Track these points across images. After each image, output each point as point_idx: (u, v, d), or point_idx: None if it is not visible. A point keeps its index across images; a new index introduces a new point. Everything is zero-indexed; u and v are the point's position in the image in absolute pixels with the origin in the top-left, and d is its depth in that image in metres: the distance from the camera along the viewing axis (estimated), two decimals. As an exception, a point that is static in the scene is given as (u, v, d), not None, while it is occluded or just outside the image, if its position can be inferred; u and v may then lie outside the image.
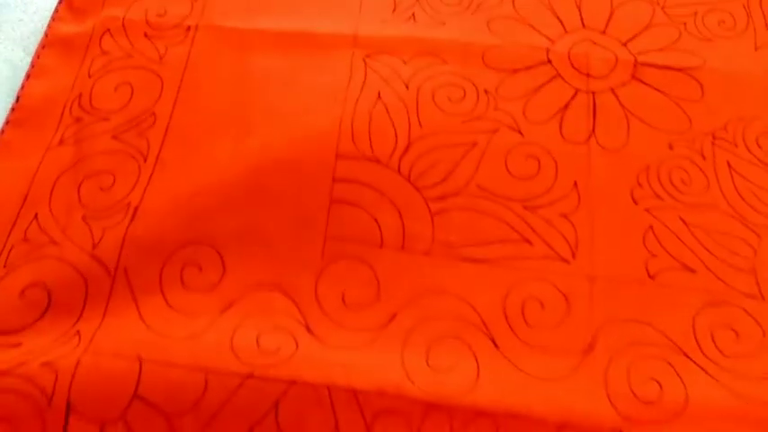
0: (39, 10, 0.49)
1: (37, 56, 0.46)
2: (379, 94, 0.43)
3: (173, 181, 0.40)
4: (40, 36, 0.48)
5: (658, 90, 0.44)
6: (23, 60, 0.47)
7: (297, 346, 0.35)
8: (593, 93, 0.44)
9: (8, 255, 0.38)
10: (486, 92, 0.44)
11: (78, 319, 0.36)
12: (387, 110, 0.43)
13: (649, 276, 0.37)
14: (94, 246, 0.38)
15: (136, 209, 0.39)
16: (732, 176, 0.41)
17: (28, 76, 0.45)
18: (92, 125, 0.43)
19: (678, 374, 0.34)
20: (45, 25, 0.48)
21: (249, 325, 0.36)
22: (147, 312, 0.36)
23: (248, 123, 0.42)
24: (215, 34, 0.47)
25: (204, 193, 0.39)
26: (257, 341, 0.35)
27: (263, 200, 0.39)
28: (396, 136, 0.41)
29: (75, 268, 0.37)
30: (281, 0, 0.49)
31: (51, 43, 0.46)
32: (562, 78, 0.44)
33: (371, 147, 0.41)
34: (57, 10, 0.48)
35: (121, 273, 0.37)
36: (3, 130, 0.43)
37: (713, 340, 0.35)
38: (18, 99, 0.44)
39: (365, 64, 0.45)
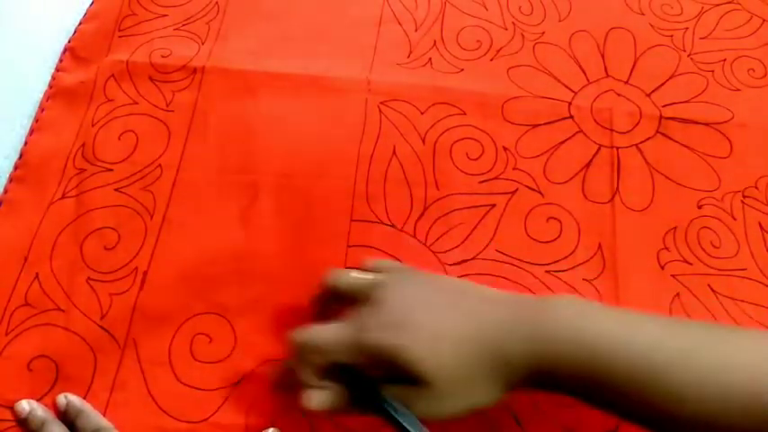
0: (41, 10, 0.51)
1: (41, 108, 0.46)
2: (394, 149, 0.44)
3: (181, 245, 0.41)
4: (42, 38, 0.49)
5: (685, 146, 0.44)
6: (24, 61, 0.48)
7: (311, 429, 0.35)
8: (617, 148, 0.44)
9: (9, 320, 0.39)
10: (504, 149, 0.44)
11: (87, 394, 0.37)
12: (402, 169, 0.43)
13: (677, 350, 0.38)
14: (103, 316, 0.39)
15: (145, 274, 0.40)
16: (764, 239, 0.41)
17: (32, 131, 0.45)
18: (94, 177, 0.43)
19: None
20: (49, 26, 0.50)
21: (263, 404, 0.36)
22: (156, 389, 0.37)
23: (258, 183, 0.43)
24: (223, 77, 0.47)
25: (214, 261, 0.40)
26: (271, 423, 0.35)
27: (275, 268, 0.40)
28: (411, 198, 0.42)
29: (84, 340, 0.38)
30: (290, 41, 0.49)
31: (55, 95, 0.47)
32: (584, 134, 0.45)
33: (387, 210, 0.42)
34: (61, 60, 0.49)
35: (131, 344, 0.38)
36: (6, 189, 0.43)
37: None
38: (21, 155, 0.45)
39: (380, 111, 0.45)
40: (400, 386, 0.29)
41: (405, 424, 0.29)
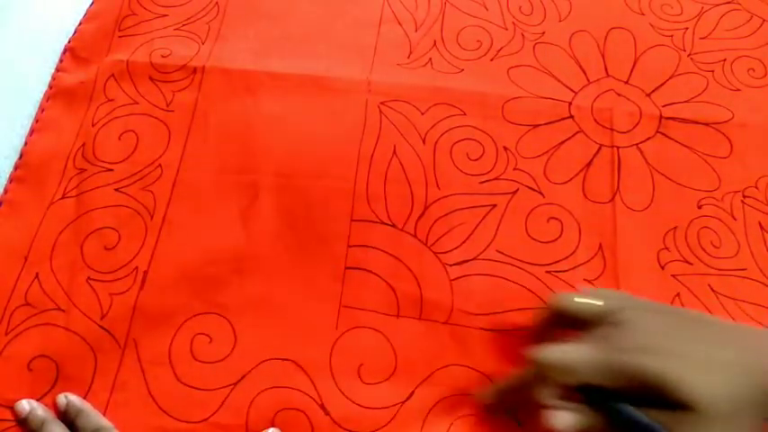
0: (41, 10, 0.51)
1: (41, 109, 0.47)
2: (394, 149, 0.44)
3: (181, 245, 0.41)
4: (42, 38, 0.49)
5: (685, 145, 0.44)
6: (24, 61, 0.49)
7: (312, 429, 0.35)
8: (618, 148, 0.44)
9: (9, 319, 0.39)
10: (505, 149, 0.44)
11: (87, 394, 0.37)
12: (403, 169, 0.43)
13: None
14: (103, 316, 0.39)
15: (145, 274, 0.40)
16: (764, 238, 0.41)
17: (32, 131, 0.46)
18: (95, 176, 0.43)
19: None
20: (49, 26, 0.50)
21: (263, 404, 0.36)
22: (157, 389, 0.37)
23: (259, 182, 0.43)
24: (223, 77, 0.47)
25: (214, 261, 0.40)
26: (271, 423, 0.36)
27: (275, 267, 0.40)
28: (412, 198, 0.42)
29: (84, 340, 0.38)
30: (291, 41, 0.49)
31: (55, 95, 0.47)
32: (584, 134, 0.45)
33: (387, 210, 0.42)
34: (61, 60, 0.49)
35: (131, 344, 0.38)
36: (6, 189, 0.43)
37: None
38: (21, 156, 0.45)
39: (380, 111, 0.46)
40: (659, 411, 0.28)
41: None
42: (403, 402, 0.36)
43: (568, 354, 0.31)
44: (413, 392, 0.37)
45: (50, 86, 0.47)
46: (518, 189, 0.43)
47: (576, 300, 0.33)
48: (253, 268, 0.40)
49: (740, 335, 0.31)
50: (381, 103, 0.46)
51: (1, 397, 0.36)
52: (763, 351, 0.30)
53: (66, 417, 0.36)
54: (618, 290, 0.38)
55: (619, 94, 0.46)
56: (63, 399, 0.36)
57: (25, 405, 0.36)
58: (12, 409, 0.36)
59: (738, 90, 0.47)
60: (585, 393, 0.31)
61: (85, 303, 0.39)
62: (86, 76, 0.48)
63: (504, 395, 0.35)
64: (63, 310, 0.39)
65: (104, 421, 0.36)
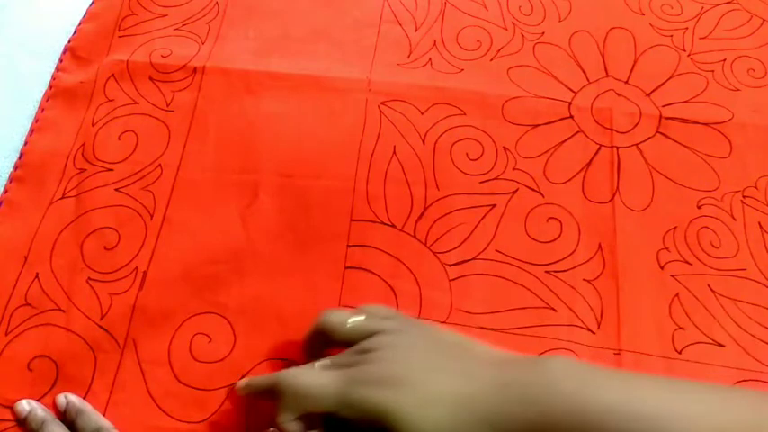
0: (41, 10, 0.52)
1: (41, 108, 0.47)
2: (394, 149, 0.44)
3: (181, 245, 0.41)
4: (42, 38, 0.50)
5: (685, 145, 0.45)
6: (24, 61, 0.49)
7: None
8: (617, 148, 0.44)
9: (9, 320, 0.39)
10: (505, 149, 0.44)
11: (87, 394, 0.37)
12: (402, 169, 0.43)
13: (676, 351, 0.38)
14: (102, 316, 0.39)
15: (144, 274, 0.40)
16: (764, 239, 0.42)
17: (32, 131, 0.46)
18: (94, 176, 0.44)
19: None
20: (49, 25, 0.50)
21: (262, 404, 0.36)
22: (156, 389, 0.37)
23: (259, 182, 0.43)
24: (223, 77, 0.47)
25: (214, 261, 0.40)
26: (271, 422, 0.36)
27: (275, 267, 0.40)
28: (411, 198, 0.42)
29: (84, 340, 0.38)
30: (291, 41, 0.49)
31: (55, 95, 0.47)
32: (584, 134, 0.45)
33: (387, 210, 0.42)
34: (61, 60, 0.49)
35: (130, 344, 0.38)
36: (6, 189, 0.44)
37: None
38: (21, 155, 0.45)
39: (380, 112, 0.46)
40: None
41: None
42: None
43: (308, 379, 0.31)
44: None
45: (50, 86, 0.48)
46: (518, 189, 0.43)
47: (343, 322, 0.33)
48: (252, 268, 0.40)
49: (472, 363, 0.31)
50: (381, 103, 0.46)
51: (1, 397, 0.37)
52: (485, 381, 0.29)
53: (66, 417, 0.36)
54: (391, 308, 0.35)
55: (618, 94, 0.46)
56: (63, 399, 0.36)
57: (25, 405, 0.36)
58: (12, 408, 0.36)
59: (738, 90, 0.47)
60: (329, 425, 0.31)
61: (85, 303, 0.39)
62: (86, 76, 0.48)
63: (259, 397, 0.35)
64: (63, 311, 0.39)
65: (104, 421, 0.36)
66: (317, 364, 0.32)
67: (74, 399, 0.36)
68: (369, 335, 0.32)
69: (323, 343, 0.34)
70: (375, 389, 0.29)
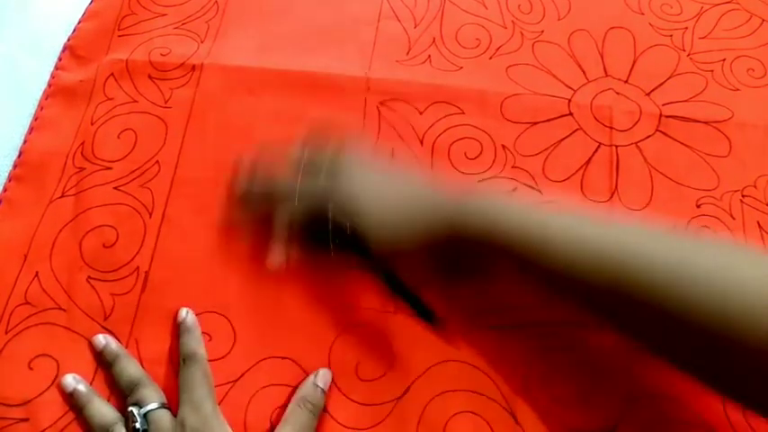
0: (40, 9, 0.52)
1: (40, 107, 0.47)
2: (392, 151, 0.44)
3: (181, 244, 0.41)
4: (41, 36, 0.50)
5: (684, 144, 0.45)
6: (24, 59, 0.49)
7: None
8: (617, 147, 0.44)
9: (9, 318, 0.39)
10: (503, 147, 0.44)
11: (87, 393, 0.37)
12: (402, 169, 0.43)
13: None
14: (106, 317, 0.39)
15: (146, 275, 0.40)
16: (763, 238, 0.42)
17: (31, 129, 0.46)
18: (94, 175, 0.44)
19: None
20: (49, 24, 0.50)
21: (262, 402, 0.37)
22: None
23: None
24: (221, 74, 0.48)
25: (215, 261, 0.41)
26: (270, 419, 0.36)
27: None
28: (411, 198, 0.42)
29: (87, 340, 0.38)
30: (289, 38, 0.50)
31: (54, 93, 0.47)
32: (584, 132, 0.45)
33: (386, 209, 0.42)
34: (60, 58, 0.49)
35: (133, 344, 0.38)
36: (5, 188, 0.44)
37: (746, 419, 0.36)
38: (20, 154, 0.45)
39: (378, 113, 0.46)
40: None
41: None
42: (399, 398, 0.37)
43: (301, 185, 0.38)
44: (409, 388, 0.37)
45: (50, 85, 0.48)
46: (516, 187, 0.43)
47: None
48: (252, 267, 0.40)
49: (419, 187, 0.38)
50: (380, 103, 0.46)
51: (1, 395, 0.37)
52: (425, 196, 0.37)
53: (101, 360, 0.38)
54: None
55: (618, 93, 0.47)
56: (102, 339, 0.38)
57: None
58: (11, 407, 0.36)
59: (738, 90, 0.47)
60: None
61: (87, 303, 0.39)
62: (86, 75, 0.48)
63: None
64: (63, 310, 0.39)
65: (141, 373, 0.37)
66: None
67: (113, 344, 0.38)
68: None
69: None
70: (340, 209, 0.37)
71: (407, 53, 0.49)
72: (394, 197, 0.37)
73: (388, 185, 0.38)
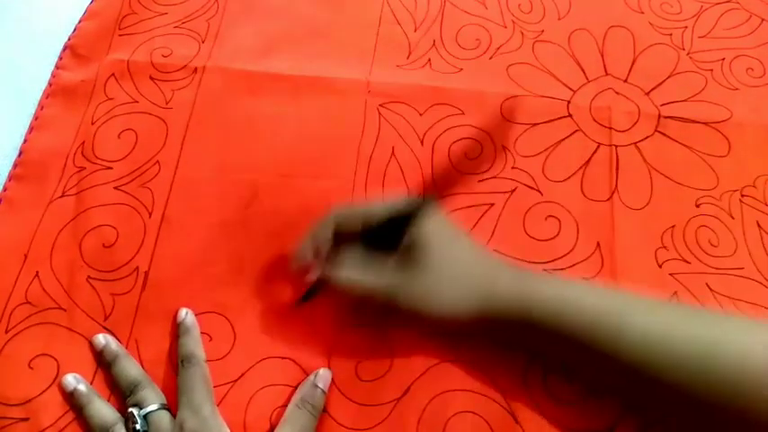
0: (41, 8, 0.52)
1: (40, 106, 0.47)
2: (393, 150, 0.44)
3: (181, 244, 0.41)
4: (42, 35, 0.50)
5: (683, 144, 0.45)
6: (24, 59, 0.49)
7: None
8: (616, 147, 0.45)
9: (9, 318, 0.39)
10: (503, 147, 0.44)
11: (88, 392, 0.37)
12: (401, 170, 0.43)
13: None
14: (106, 317, 0.39)
15: (146, 275, 0.40)
16: (762, 238, 0.42)
17: (31, 129, 0.46)
18: (94, 175, 0.44)
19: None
20: (49, 23, 0.50)
21: (261, 401, 0.37)
22: (158, 387, 0.37)
23: (258, 182, 0.43)
24: (223, 76, 0.48)
25: (215, 261, 0.41)
26: (270, 419, 0.36)
27: (275, 268, 0.40)
28: (410, 198, 0.42)
29: (87, 340, 0.39)
30: (291, 41, 0.50)
31: (55, 92, 0.48)
32: (583, 132, 0.45)
33: (386, 210, 0.42)
34: (60, 57, 0.49)
35: (133, 344, 0.39)
36: (5, 187, 0.44)
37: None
38: (21, 153, 0.45)
39: (379, 114, 0.46)
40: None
41: None
42: (399, 399, 0.37)
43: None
44: (409, 388, 0.37)
45: (50, 84, 0.48)
46: (516, 188, 0.43)
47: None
48: (252, 267, 0.40)
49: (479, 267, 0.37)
50: (380, 104, 0.46)
51: (1, 395, 0.37)
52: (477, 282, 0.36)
53: (101, 360, 0.38)
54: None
55: (617, 93, 0.47)
56: (102, 339, 0.38)
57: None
58: (11, 406, 0.37)
59: (737, 89, 0.47)
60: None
61: (87, 304, 0.39)
62: (87, 75, 0.48)
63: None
64: (64, 309, 0.39)
65: (141, 373, 0.37)
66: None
67: (113, 344, 0.38)
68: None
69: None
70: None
71: (407, 57, 0.49)
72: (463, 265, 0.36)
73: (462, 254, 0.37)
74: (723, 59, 0.48)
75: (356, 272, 0.36)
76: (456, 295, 0.35)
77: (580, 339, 0.33)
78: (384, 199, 0.38)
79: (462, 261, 0.36)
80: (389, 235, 0.36)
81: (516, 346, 0.37)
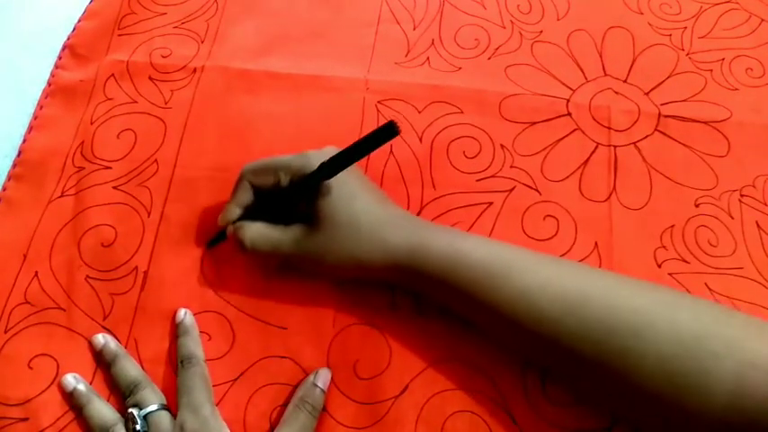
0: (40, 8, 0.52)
1: (40, 106, 0.47)
2: (391, 148, 0.44)
3: (180, 243, 0.41)
4: (41, 35, 0.50)
5: (683, 144, 0.45)
6: (23, 58, 0.50)
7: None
8: (615, 147, 0.45)
9: (8, 318, 0.39)
10: (502, 146, 0.44)
11: (87, 392, 0.37)
12: (399, 168, 0.44)
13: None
14: (105, 317, 0.39)
15: (145, 274, 0.40)
16: (761, 237, 0.42)
17: (30, 129, 0.46)
18: (93, 174, 0.44)
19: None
20: (48, 23, 0.51)
21: (261, 401, 0.37)
22: (157, 387, 0.37)
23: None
24: (221, 75, 0.48)
25: (213, 260, 0.41)
26: (269, 419, 0.36)
27: (274, 266, 0.40)
28: (408, 198, 0.43)
29: (86, 339, 0.39)
30: (290, 40, 0.50)
31: (54, 92, 0.48)
32: (582, 132, 0.45)
33: (385, 208, 0.42)
34: (60, 57, 0.49)
35: (132, 344, 0.39)
36: (5, 187, 0.44)
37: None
38: (20, 153, 0.45)
39: (377, 111, 0.46)
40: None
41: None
42: (397, 396, 0.37)
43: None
44: (407, 387, 0.37)
45: (49, 84, 0.48)
46: (515, 187, 0.43)
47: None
48: (251, 267, 0.40)
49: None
50: (379, 102, 0.46)
51: (0, 395, 0.37)
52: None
53: (100, 360, 0.38)
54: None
55: (617, 93, 0.47)
56: (101, 339, 0.38)
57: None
58: (11, 406, 0.37)
59: (737, 89, 0.47)
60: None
61: (87, 303, 0.40)
62: (86, 75, 0.48)
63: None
64: (63, 309, 0.40)
65: (140, 374, 0.37)
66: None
67: (112, 343, 0.38)
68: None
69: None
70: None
71: (406, 55, 0.49)
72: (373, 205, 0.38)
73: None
74: (723, 59, 0.48)
75: (264, 225, 0.38)
76: (354, 246, 0.36)
77: (467, 290, 0.34)
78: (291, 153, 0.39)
79: (362, 213, 0.37)
80: (298, 191, 0.37)
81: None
